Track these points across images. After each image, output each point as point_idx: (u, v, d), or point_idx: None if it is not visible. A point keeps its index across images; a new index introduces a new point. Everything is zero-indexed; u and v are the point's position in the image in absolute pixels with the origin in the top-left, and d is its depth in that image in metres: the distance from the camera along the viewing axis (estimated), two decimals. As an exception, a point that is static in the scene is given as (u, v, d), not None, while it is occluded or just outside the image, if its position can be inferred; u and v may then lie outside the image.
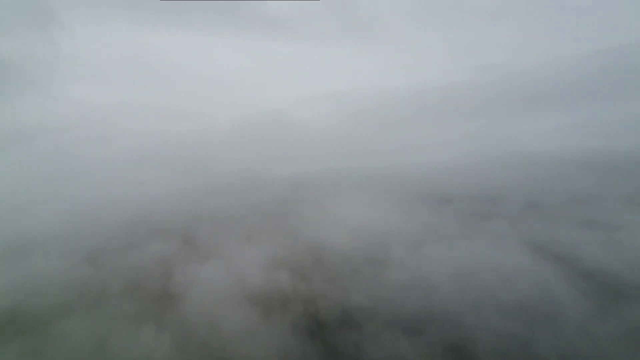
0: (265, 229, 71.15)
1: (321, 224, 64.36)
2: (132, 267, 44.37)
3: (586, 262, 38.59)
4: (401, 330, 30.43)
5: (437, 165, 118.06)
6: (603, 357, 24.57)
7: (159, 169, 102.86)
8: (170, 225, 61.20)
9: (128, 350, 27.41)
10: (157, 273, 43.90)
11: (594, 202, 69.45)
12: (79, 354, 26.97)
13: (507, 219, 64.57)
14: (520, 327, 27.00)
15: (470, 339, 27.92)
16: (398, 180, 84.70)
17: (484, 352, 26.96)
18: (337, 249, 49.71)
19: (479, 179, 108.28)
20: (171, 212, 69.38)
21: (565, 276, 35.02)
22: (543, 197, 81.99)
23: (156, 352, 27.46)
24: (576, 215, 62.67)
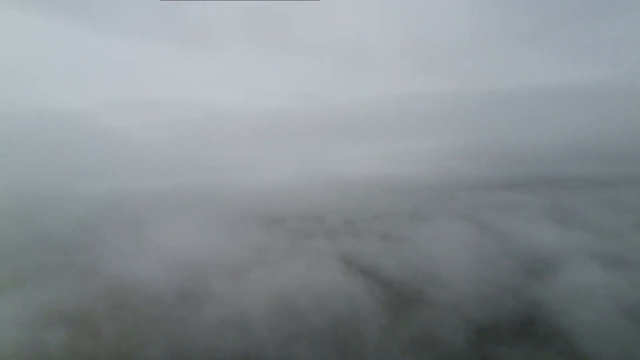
0: (49, 267, 53.06)
1: (129, 257, 52.63)
2: None
3: (384, 271, 44.63)
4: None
5: (268, 185, 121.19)
6: None
7: None
8: None
9: None
10: None
11: (389, 218, 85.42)
12: None
13: (329, 236, 70.70)
14: (331, 350, 27.52)
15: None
16: (227, 201, 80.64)
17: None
18: (146, 287, 40.72)
19: (307, 199, 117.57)
20: None
21: (370, 288, 39.11)
22: (356, 215, 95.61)
23: None
24: (378, 230, 74.81)
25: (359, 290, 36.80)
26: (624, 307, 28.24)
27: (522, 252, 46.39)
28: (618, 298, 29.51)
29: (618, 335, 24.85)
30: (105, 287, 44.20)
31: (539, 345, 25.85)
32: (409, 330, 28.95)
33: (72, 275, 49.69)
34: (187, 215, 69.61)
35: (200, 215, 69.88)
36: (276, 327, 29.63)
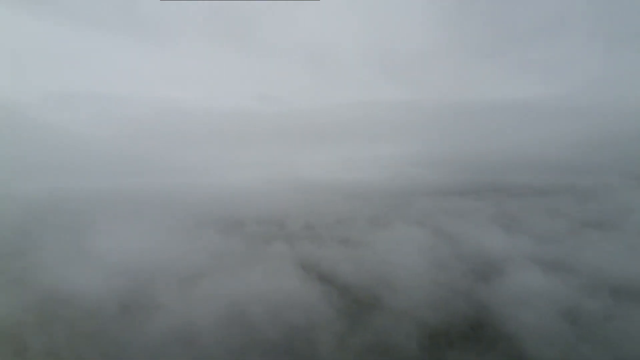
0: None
1: (67, 264, 47.67)
2: None
3: (343, 277, 44.49)
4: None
5: (230, 188, 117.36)
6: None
7: None
8: None
9: None
10: None
11: (349, 223, 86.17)
12: None
13: (288, 241, 69.58)
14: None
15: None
16: (182, 204, 76.46)
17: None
18: (83, 298, 36.92)
19: (267, 203, 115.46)
20: None
21: (328, 295, 38.67)
22: (317, 219, 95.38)
23: None
24: (338, 235, 75.07)
25: (316, 298, 36.19)
26: (562, 310, 30.40)
27: (472, 257, 48.70)
28: (556, 301, 31.73)
29: (557, 337, 26.58)
30: (36, 298, 39.73)
31: (487, 348, 26.93)
32: (364, 337, 28.83)
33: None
34: (137, 219, 64.89)
35: (151, 219, 65.51)
36: (226, 339, 28.05)
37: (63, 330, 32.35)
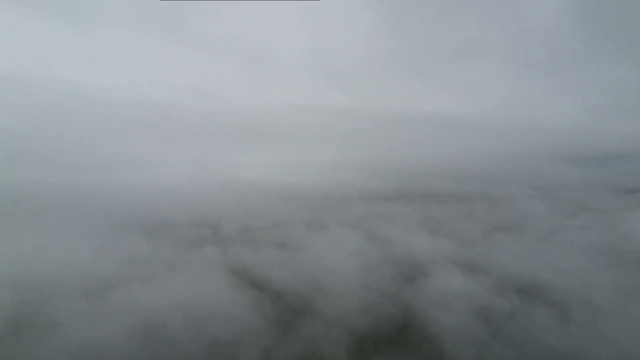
0: None
1: None
2: None
3: (276, 283, 43.10)
4: None
5: (157, 187, 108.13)
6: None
7: None
8: None
9: None
10: None
11: (286, 226, 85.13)
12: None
13: (223, 245, 65.95)
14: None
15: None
16: (97, 205, 67.52)
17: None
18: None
19: (203, 204, 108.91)
20: None
21: (260, 302, 36.96)
22: (253, 222, 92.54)
23: None
24: (274, 239, 73.46)
25: (245, 306, 34.26)
26: (477, 309, 33.07)
27: (400, 259, 51.08)
28: (472, 301, 34.49)
29: (473, 337, 28.70)
30: None
31: (411, 351, 27.92)
32: (293, 347, 27.84)
33: None
34: (38, 221, 55.52)
35: (58, 222, 56.59)
36: (136, 358, 24.81)
37: None
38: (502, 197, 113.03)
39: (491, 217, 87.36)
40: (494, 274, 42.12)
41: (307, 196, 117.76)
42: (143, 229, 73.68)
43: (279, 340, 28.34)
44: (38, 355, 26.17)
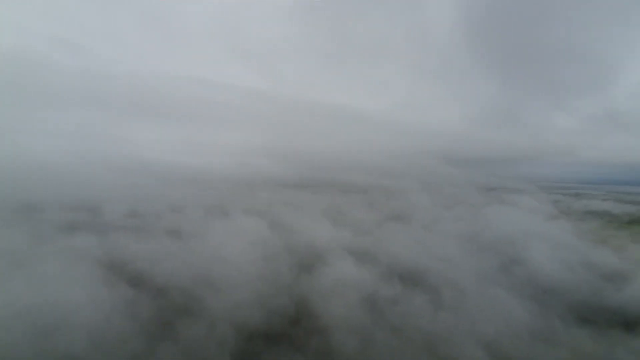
0: None
1: None
2: None
3: (161, 278, 38.28)
4: None
5: (17, 160, 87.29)
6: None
7: None
8: None
9: None
10: None
11: (183, 212, 77.88)
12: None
13: (100, 233, 56.39)
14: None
15: None
16: None
17: None
18: None
19: (82, 184, 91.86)
20: None
21: (136, 300, 32.14)
22: (144, 206, 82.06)
23: None
24: (167, 225, 66.17)
25: (115, 307, 29.22)
26: (364, 297, 34.80)
27: (300, 248, 51.18)
28: (361, 289, 36.24)
29: (359, 326, 29.92)
30: None
31: (301, 345, 27.56)
32: (168, 351, 24.62)
33: None
34: None
35: None
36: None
37: None
38: (397, 190, 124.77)
39: (386, 207, 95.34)
40: (382, 262, 45.35)
41: (209, 180, 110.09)
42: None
43: (150, 346, 24.57)
44: None
